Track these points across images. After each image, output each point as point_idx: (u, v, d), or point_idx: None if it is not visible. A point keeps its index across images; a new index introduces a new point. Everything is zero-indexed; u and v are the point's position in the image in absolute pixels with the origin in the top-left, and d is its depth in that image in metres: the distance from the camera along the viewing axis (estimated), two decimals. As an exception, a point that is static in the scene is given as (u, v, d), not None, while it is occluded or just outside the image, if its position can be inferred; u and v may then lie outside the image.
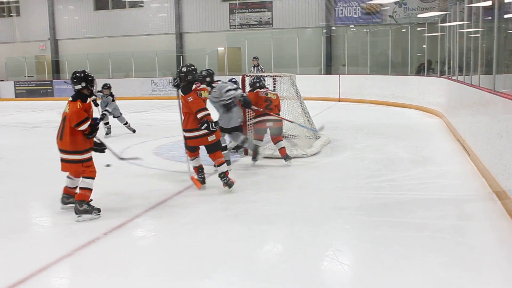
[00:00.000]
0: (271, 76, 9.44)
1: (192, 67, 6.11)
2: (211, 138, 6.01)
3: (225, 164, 6.13)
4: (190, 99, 5.92)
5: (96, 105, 10.34)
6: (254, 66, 16.54)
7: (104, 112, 10.66)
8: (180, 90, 6.13)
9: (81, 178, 5.15)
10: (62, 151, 5.08)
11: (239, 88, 7.58)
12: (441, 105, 12.84)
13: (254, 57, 16.83)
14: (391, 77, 17.99)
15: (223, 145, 6.77)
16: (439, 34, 14.42)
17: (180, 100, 6.17)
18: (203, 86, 6.16)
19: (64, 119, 5.06)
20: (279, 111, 7.96)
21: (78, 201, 5.03)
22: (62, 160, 5.11)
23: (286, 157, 7.50)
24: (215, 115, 6.72)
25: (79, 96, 5.11)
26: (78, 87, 5.15)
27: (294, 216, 5.12)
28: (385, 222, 4.86)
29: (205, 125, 5.88)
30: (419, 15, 19.83)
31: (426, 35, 16.54)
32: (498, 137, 5.53)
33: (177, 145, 8.16)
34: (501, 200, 5.26)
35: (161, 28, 26.13)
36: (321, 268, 3.91)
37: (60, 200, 5.33)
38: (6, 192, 6.50)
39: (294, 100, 9.38)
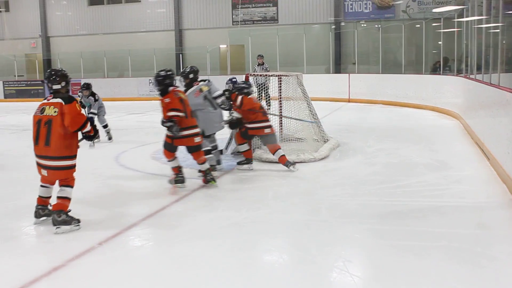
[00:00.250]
0: (276, 75, 9.45)
1: (169, 72, 6.56)
2: (197, 139, 6.53)
3: (207, 162, 6.70)
4: (167, 100, 6.36)
5: (83, 106, 10.30)
6: (258, 65, 16.57)
7: (90, 116, 10.20)
8: (159, 94, 6.55)
9: (59, 187, 5.06)
10: (47, 158, 4.94)
11: (226, 96, 7.65)
12: (458, 105, 12.82)
13: (258, 55, 16.85)
14: (404, 76, 18.00)
15: (206, 148, 7.04)
16: (455, 29, 14.42)
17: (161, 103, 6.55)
18: (179, 88, 6.66)
19: (49, 123, 4.90)
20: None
21: (56, 211, 4.94)
22: (47, 167, 4.97)
23: (287, 163, 7.49)
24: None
25: (63, 96, 5.01)
26: (57, 86, 5.05)
27: (301, 225, 5.12)
28: (398, 231, 4.85)
29: (170, 123, 6.28)
30: (434, 10, 19.82)
31: (442, 31, 16.52)
32: (519, 140, 5.52)
33: (179, 150, 8.15)
34: (523, 207, 5.24)
35: (159, 24, 26.22)
36: (330, 280, 3.90)
37: (34, 213, 5.19)
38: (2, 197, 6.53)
39: (301, 101, 9.39)
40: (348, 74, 20.16)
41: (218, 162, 7.64)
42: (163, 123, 6.37)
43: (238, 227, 5.11)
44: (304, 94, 9.53)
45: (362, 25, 22.53)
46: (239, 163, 7.71)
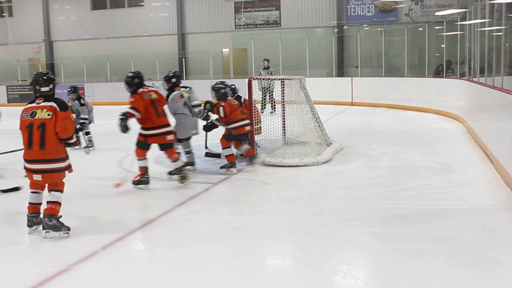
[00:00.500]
0: (279, 79, 9.46)
1: (137, 72, 6.92)
2: (170, 137, 6.82)
3: (180, 160, 6.98)
4: (131, 99, 6.69)
5: (72, 112, 10.23)
6: (264, 68, 16.61)
7: (82, 121, 10.12)
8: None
9: (48, 193, 5.02)
10: (43, 161, 4.88)
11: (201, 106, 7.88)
12: (461, 109, 12.81)
13: (264, 59, 16.90)
14: (407, 79, 17.99)
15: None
16: (458, 33, 14.41)
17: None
18: (151, 88, 6.93)
19: (42, 126, 4.86)
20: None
21: (48, 216, 4.90)
22: (42, 171, 4.91)
23: (253, 157, 7.96)
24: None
25: (58, 102, 5.00)
26: (45, 89, 5.03)
27: (304, 228, 5.11)
28: (401, 234, 4.85)
29: (122, 117, 6.62)
30: (437, 13, 19.78)
31: (444, 34, 16.53)
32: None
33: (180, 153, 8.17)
34: (527, 210, 5.24)
35: (162, 28, 26.26)
36: (334, 283, 3.89)
37: (27, 222, 5.07)
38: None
39: (304, 104, 9.40)
40: (351, 78, 20.14)
41: (192, 164, 7.89)
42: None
43: (241, 231, 5.11)
44: (307, 98, 9.54)
45: (365, 28, 22.53)
46: (222, 167, 7.74)
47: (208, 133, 8.34)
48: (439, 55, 17.89)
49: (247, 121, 7.95)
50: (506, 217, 5.38)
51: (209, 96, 7.95)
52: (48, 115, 4.90)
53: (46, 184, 5.07)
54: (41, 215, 5.04)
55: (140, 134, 6.77)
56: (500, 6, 8.06)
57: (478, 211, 5.60)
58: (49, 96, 5.04)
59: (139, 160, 6.81)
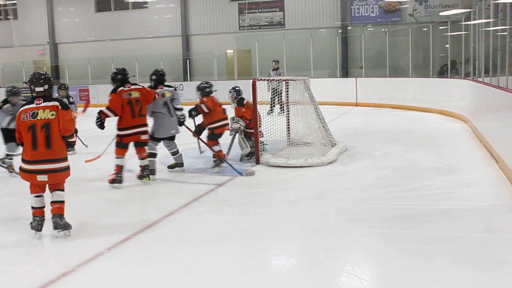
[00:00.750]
0: (283, 80, 9.45)
1: (121, 70, 7.16)
2: (144, 137, 7.05)
3: (148, 158, 7.21)
4: (109, 97, 6.91)
5: None
6: (273, 69, 16.66)
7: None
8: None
9: (51, 193, 5.03)
10: (50, 161, 4.90)
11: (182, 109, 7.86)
12: (466, 109, 12.78)
13: (274, 60, 16.95)
14: (411, 79, 17.96)
15: (150, 151, 7.46)
16: (463, 33, 14.37)
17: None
18: (136, 86, 7.06)
19: (47, 126, 4.88)
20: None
21: (58, 215, 4.96)
22: (49, 171, 4.91)
23: (217, 160, 8.03)
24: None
25: (60, 101, 5.04)
26: (40, 89, 5.01)
27: (310, 229, 5.11)
28: (407, 235, 4.84)
29: (98, 116, 6.90)
30: (441, 13, 19.78)
31: (449, 34, 16.49)
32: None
33: (184, 154, 8.18)
34: (532, 210, 5.22)
35: (166, 30, 26.28)
36: (339, 284, 3.89)
37: (35, 227, 4.97)
38: (1, 205, 6.55)
39: (309, 105, 9.40)
40: (355, 78, 20.12)
41: (180, 165, 7.91)
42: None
43: (246, 232, 5.11)
44: (311, 99, 9.53)
45: (369, 29, 22.50)
46: (215, 162, 8.07)
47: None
48: (443, 55, 17.84)
49: (227, 121, 8.23)
50: (511, 217, 5.36)
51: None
52: (52, 115, 4.93)
53: (47, 185, 5.08)
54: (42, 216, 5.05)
55: (117, 135, 6.99)
56: (505, 6, 8.04)
57: (483, 211, 5.58)
58: (48, 96, 5.05)
59: (116, 158, 6.98)
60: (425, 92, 16.47)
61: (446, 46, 17.08)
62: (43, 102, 4.98)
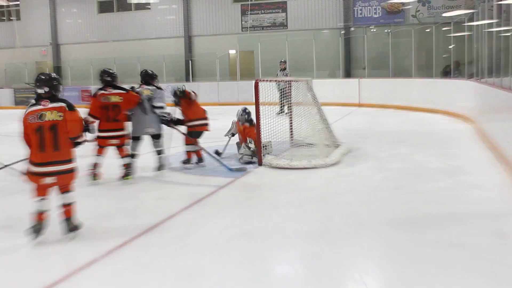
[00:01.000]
0: (286, 81, 9.34)
1: (108, 71, 7.51)
2: (113, 141, 7.25)
3: (129, 157, 7.37)
4: (90, 101, 7.20)
5: None
6: (281, 70, 16.55)
7: None
8: None
9: (61, 195, 4.95)
10: (58, 162, 4.86)
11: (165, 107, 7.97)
12: (471, 109, 12.66)
13: (281, 61, 16.82)
14: (415, 80, 17.87)
15: (134, 152, 7.64)
16: (466, 33, 14.28)
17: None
18: (118, 91, 7.30)
19: (54, 127, 4.84)
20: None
21: (70, 218, 4.97)
22: (57, 173, 4.84)
23: (187, 161, 8.20)
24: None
25: (66, 102, 5.03)
26: (41, 91, 4.96)
27: (314, 233, 4.95)
28: (415, 241, 4.67)
29: (84, 124, 6.90)
30: (444, 14, 19.69)
31: (452, 35, 16.41)
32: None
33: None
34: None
35: (169, 31, 26.25)
36: (345, 291, 3.75)
37: (36, 231, 4.82)
38: (1, 206, 6.46)
39: (311, 106, 9.28)
40: (358, 79, 20.01)
41: (162, 167, 7.87)
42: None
43: (248, 236, 4.95)
44: (314, 100, 9.43)
45: (372, 30, 22.43)
46: (184, 162, 8.26)
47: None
48: (446, 56, 17.74)
49: (207, 121, 8.32)
50: (521, 221, 5.22)
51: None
52: (60, 116, 4.91)
53: (50, 188, 4.96)
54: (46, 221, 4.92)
55: (97, 137, 7.23)
56: (508, 6, 7.97)
57: (492, 214, 5.43)
58: (55, 97, 5.01)
59: (96, 156, 7.25)
60: (429, 93, 16.38)
61: (449, 47, 17.00)
62: (50, 103, 4.94)
